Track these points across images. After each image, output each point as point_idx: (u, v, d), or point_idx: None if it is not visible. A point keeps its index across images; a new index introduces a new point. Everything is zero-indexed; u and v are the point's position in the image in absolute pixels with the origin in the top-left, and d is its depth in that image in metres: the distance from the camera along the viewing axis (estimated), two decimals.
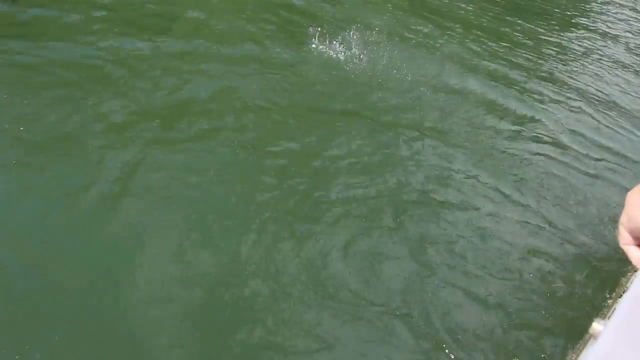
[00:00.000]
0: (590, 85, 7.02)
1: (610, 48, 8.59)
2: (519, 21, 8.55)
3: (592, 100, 6.62)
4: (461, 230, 3.99)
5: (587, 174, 5.14)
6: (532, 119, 5.83)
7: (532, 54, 7.46)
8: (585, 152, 5.48)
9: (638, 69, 8.00)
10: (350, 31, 6.18)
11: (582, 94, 6.72)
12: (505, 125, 5.55)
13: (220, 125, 4.33)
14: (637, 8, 11.39)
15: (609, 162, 5.47)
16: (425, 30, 7.10)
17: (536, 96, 6.34)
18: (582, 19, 9.89)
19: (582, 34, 8.98)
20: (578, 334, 3.45)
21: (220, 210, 3.52)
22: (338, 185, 4.03)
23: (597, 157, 5.48)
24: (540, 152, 5.28)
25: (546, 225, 4.34)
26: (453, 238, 3.89)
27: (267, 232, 3.44)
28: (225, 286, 3.06)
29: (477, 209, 4.26)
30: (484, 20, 8.17)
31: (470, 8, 8.49)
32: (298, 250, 3.38)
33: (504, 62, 6.93)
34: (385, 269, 3.46)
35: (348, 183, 4.08)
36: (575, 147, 5.53)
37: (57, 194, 3.32)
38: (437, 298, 3.38)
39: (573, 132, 5.81)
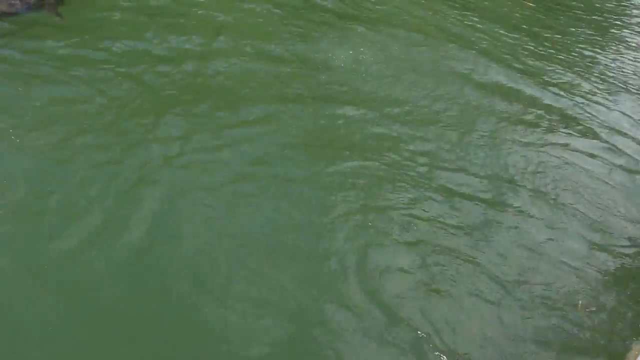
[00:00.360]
0: (628, 83, 6.90)
1: None
2: (550, 22, 8.43)
3: (631, 98, 6.51)
4: (497, 239, 3.92)
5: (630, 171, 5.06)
6: (571, 117, 5.76)
7: (568, 55, 7.36)
8: (626, 151, 5.40)
9: None
10: (379, 30, 6.15)
11: (618, 91, 6.61)
12: (542, 123, 5.50)
13: (261, 119, 4.36)
14: None
15: None
16: (456, 29, 7.02)
17: (576, 96, 6.25)
18: (615, 16, 9.69)
19: (617, 31, 8.81)
20: (619, 355, 3.32)
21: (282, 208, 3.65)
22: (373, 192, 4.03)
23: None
24: (580, 149, 5.22)
25: (582, 234, 4.23)
26: (489, 248, 3.82)
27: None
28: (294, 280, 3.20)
29: (509, 209, 4.21)
30: (515, 21, 8.07)
31: (504, 9, 8.40)
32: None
33: (542, 61, 6.84)
34: (401, 283, 3.43)
35: (387, 184, 4.08)
36: (617, 145, 5.45)
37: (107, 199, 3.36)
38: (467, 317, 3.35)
39: (612, 129, 5.72)
